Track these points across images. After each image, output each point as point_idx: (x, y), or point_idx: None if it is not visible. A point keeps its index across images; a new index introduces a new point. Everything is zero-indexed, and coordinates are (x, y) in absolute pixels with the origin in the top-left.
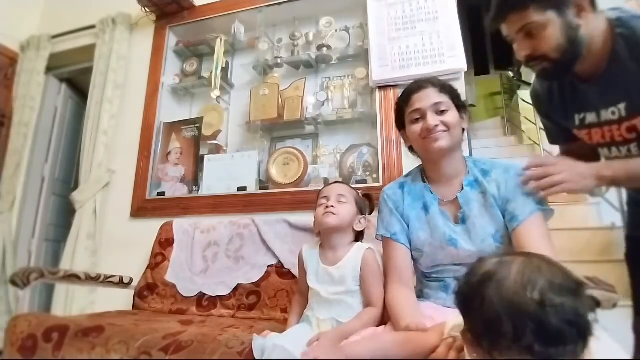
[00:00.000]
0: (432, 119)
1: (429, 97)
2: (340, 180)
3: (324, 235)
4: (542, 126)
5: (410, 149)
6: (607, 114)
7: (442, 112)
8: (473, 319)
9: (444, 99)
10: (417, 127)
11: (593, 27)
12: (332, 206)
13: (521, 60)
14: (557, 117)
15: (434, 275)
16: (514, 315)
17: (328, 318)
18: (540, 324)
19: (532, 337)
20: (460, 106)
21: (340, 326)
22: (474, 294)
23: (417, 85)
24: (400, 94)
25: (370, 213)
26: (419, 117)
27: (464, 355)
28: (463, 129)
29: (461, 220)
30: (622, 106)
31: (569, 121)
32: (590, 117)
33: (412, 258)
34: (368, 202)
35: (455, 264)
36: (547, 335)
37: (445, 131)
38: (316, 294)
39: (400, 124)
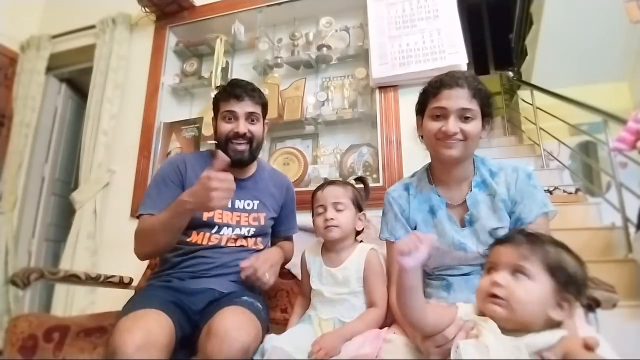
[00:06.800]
0: (453, 125)
1: (458, 99)
2: (337, 179)
3: (326, 241)
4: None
5: (422, 137)
6: None
7: (466, 119)
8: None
9: (473, 107)
10: (434, 126)
11: None
12: (332, 218)
13: None
14: None
15: (437, 273)
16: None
17: (330, 317)
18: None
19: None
20: (486, 115)
21: (342, 327)
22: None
23: (452, 81)
24: (431, 81)
25: (367, 198)
26: (440, 115)
27: (472, 335)
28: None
29: (468, 222)
30: None
31: None
32: None
33: None
34: (363, 187)
35: (461, 264)
36: None
37: (462, 140)
38: (319, 294)
39: (420, 110)
